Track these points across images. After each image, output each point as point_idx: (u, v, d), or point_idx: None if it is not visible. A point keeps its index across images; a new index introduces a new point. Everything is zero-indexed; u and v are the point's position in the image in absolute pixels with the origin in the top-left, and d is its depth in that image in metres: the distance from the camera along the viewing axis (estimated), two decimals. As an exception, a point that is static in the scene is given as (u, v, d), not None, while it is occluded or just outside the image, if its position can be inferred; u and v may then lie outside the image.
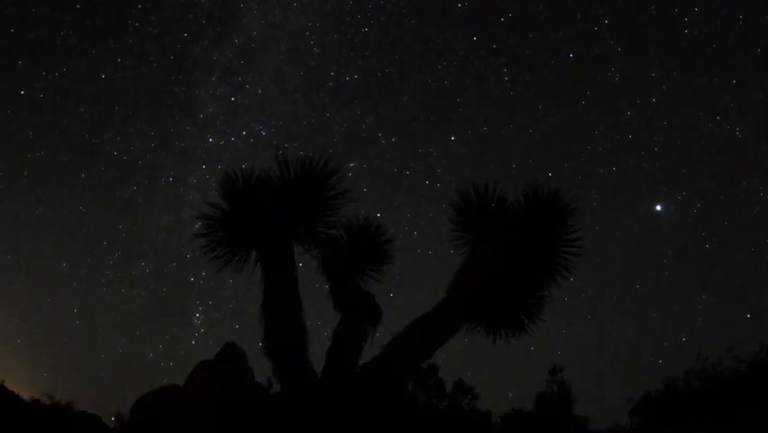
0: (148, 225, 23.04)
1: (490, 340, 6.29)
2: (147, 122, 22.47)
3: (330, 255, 6.16)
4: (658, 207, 20.74)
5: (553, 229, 6.00)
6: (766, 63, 19.01)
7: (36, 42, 21.97)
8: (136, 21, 21.17)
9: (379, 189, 22.17)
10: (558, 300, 6.22)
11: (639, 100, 20.76)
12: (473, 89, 21.83)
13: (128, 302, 23.50)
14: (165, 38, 21.62)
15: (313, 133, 22.51)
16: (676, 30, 19.74)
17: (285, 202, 5.91)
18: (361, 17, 21.06)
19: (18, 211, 23.96)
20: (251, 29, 21.36)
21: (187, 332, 22.11)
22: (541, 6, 21.35)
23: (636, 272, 22.39)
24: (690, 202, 20.45)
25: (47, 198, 23.81)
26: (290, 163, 6.01)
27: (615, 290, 21.30)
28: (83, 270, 23.77)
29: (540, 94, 21.64)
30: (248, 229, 5.97)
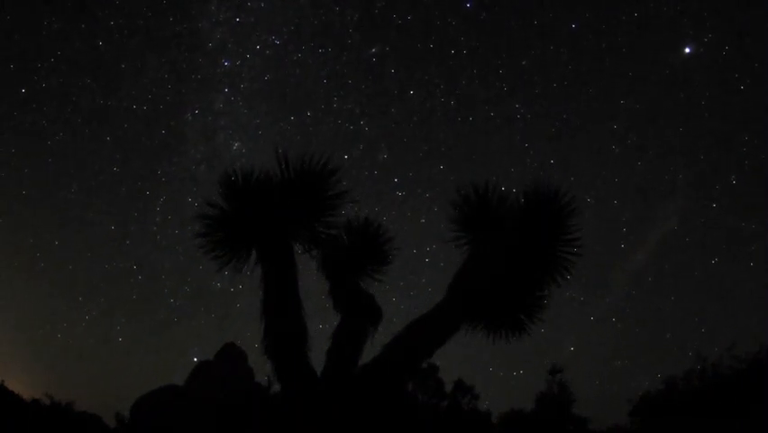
0: (185, 162, 23.42)
1: (490, 340, 6.30)
2: (157, 68, 22.76)
3: (330, 255, 6.16)
4: (687, 50, 20.61)
5: (552, 229, 5.99)
6: None
7: (22, 40, 22.16)
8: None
9: (407, 69, 22.30)
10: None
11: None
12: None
13: (183, 243, 23.71)
14: (155, -12, 21.66)
15: (327, 29, 22.82)
16: None
17: (285, 202, 5.90)
18: None
19: (49, 200, 24.24)
20: (236, -50, 21.15)
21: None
22: None
23: (669, 117, 22.34)
24: (719, 43, 20.34)
25: (77, 174, 24.15)
26: (290, 163, 6.00)
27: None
28: (133, 225, 24.16)
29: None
30: (248, 229, 5.96)
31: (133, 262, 24.66)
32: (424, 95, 22.51)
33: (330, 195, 6.11)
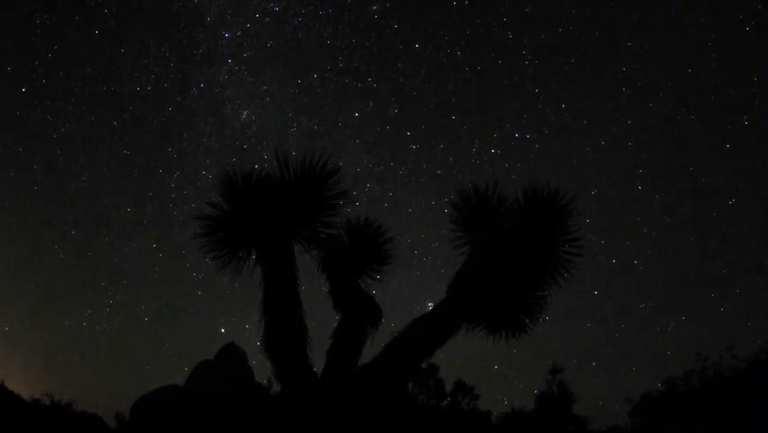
0: (195, 136, 23.63)
1: (491, 340, 6.30)
2: (157, 47, 22.91)
3: (330, 255, 6.16)
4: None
5: (553, 229, 6.00)
6: None
7: (16, 41, 22.27)
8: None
9: (410, 23, 22.38)
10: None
11: None
12: None
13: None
14: (143, -29, 21.88)
15: (324, -4, 22.85)
16: None
17: (285, 202, 5.90)
18: None
19: (62, 193, 24.33)
20: None
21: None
22: None
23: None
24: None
25: (87, 163, 24.25)
26: (290, 163, 6.00)
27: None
28: (148, 204, 24.21)
29: None
30: (248, 229, 5.96)
31: (153, 241, 24.84)
32: (429, 48, 22.70)
33: (330, 195, 6.11)
